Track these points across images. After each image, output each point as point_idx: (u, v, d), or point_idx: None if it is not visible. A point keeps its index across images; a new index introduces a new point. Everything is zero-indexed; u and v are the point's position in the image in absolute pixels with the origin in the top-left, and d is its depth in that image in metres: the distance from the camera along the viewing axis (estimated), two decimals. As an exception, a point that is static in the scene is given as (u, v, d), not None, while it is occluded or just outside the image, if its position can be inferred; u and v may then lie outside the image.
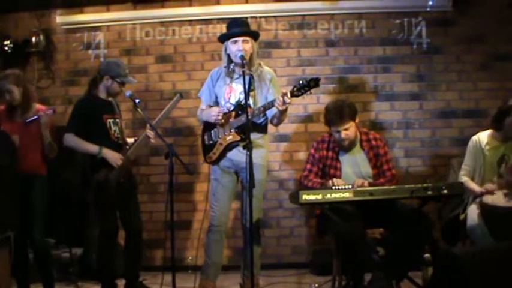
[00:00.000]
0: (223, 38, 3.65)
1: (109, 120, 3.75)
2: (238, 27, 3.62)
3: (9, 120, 3.71)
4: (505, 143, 3.67)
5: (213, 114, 3.61)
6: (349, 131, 3.58)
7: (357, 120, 3.65)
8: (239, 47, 3.52)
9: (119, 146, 3.76)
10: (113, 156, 3.67)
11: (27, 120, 3.62)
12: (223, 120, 3.61)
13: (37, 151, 3.71)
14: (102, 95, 3.78)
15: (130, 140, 3.91)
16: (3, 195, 3.35)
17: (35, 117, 3.61)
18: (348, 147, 3.66)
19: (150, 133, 3.75)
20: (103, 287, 3.77)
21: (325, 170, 3.68)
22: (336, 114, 3.56)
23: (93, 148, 3.65)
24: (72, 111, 3.77)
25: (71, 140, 3.67)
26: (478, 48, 4.74)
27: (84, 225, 4.53)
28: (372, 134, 3.79)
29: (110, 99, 3.82)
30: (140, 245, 3.95)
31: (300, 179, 3.78)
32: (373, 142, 3.72)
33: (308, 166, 3.73)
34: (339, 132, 3.57)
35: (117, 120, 3.82)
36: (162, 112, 3.85)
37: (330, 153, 3.68)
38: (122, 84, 3.78)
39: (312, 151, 3.75)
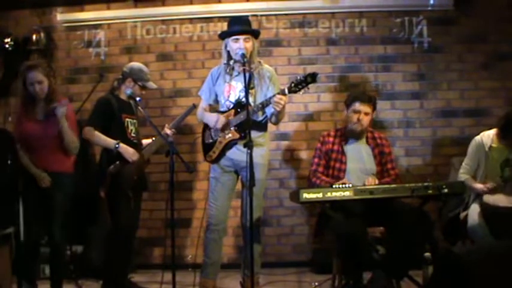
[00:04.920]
0: (224, 35, 3.64)
1: (127, 119, 3.85)
2: (239, 25, 3.61)
3: (29, 118, 3.62)
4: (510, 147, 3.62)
5: (214, 122, 3.63)
6: (367, 117, 3.64)
7: (373, 114, 3.73)
8: (240, 45, 3.51)
9: (134, 145, 3.83)
10: (128, 152, 3.74)
11: (47, 113, 3.58)
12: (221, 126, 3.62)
13: (60, 149, 3.65)
14: (123, 96, 3.88)
15: (147, 141, 4.04)
16: (4, 193, 3.35)
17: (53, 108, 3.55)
18: (357, 136, 3.67)
19: (168, 131, 3.95)
20: (105, 284, 3.78)
21: (330, 164, 3.69)
22: (364, 93, 3.81)
23: (110, 142, 3.72)
24: (94, 107, 3.86)
25: (90, 133, 3.76)
26: (479, 47, 4.74)
27: (85, 223, 4.53)
28: (377, 133, 3.82)
29: (130, 100, 3.88)
30: (133, 243, 4.01)
31: (308, 174, 3.78)
32: (379, 140, 3.74)
33: (316, 160, 3.73)
34: (358, 113, 3.61)
35: (135, 120, 3.93)
36: (174, 121, 4.05)
37: (336, 147, 3.69)
38: (143, 88, 3.91)
39: (319, 145, 3.76)
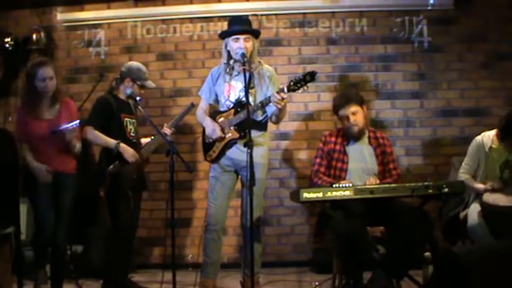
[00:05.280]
0: (224, 35, 3.64)
1: (126, 119, 3.86)
2: (240, 24, 3.61)
3: (33, 117, 3.60)
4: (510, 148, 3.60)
5: (210, 131, 3.65)
6: (357, 116, 3.61)
7: (365, 109, 3.68)
8: (240, 45, 3.51)
9: (133, 145, 3.84)
10: (128, 152, 3.74)
11: (54, 131, 3.54)
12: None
13: (64, 149, 3.65)
14: (122, 95, 3.89)
15: (145, 140, 4.06)
16: (5, 193, 3.35)
17: (61, 128, 3.53)
18: (356, 136, 3.66)
19: (167, 130, 3.97)
20: (105, 284, 3.78)
21: (331, 164, 3.68)
22: (342, 97, 3.72)
23: (111, 142, 3.73)
24: (93, 107, 3.88)
25: (91, 133, 3.77)
26: (479, 47, 4.74)
27: (85, 222, 4.53)
28: (379, 133, 3.82)
29: (129, 100, 3.88)
30: (133, 243, 4.03)
31: (310, 174, 3.78)
32: (381, 140, 3.73)
33: (318, 160, 3.73)
34: (347, 117, 3.60)
35: (134, 120, 3.94)
36: (173, 120, 4.07)
37: (338, 147, 3.69)
38: (142, 87, 3.92)
39: (321, 145, 3.75)
